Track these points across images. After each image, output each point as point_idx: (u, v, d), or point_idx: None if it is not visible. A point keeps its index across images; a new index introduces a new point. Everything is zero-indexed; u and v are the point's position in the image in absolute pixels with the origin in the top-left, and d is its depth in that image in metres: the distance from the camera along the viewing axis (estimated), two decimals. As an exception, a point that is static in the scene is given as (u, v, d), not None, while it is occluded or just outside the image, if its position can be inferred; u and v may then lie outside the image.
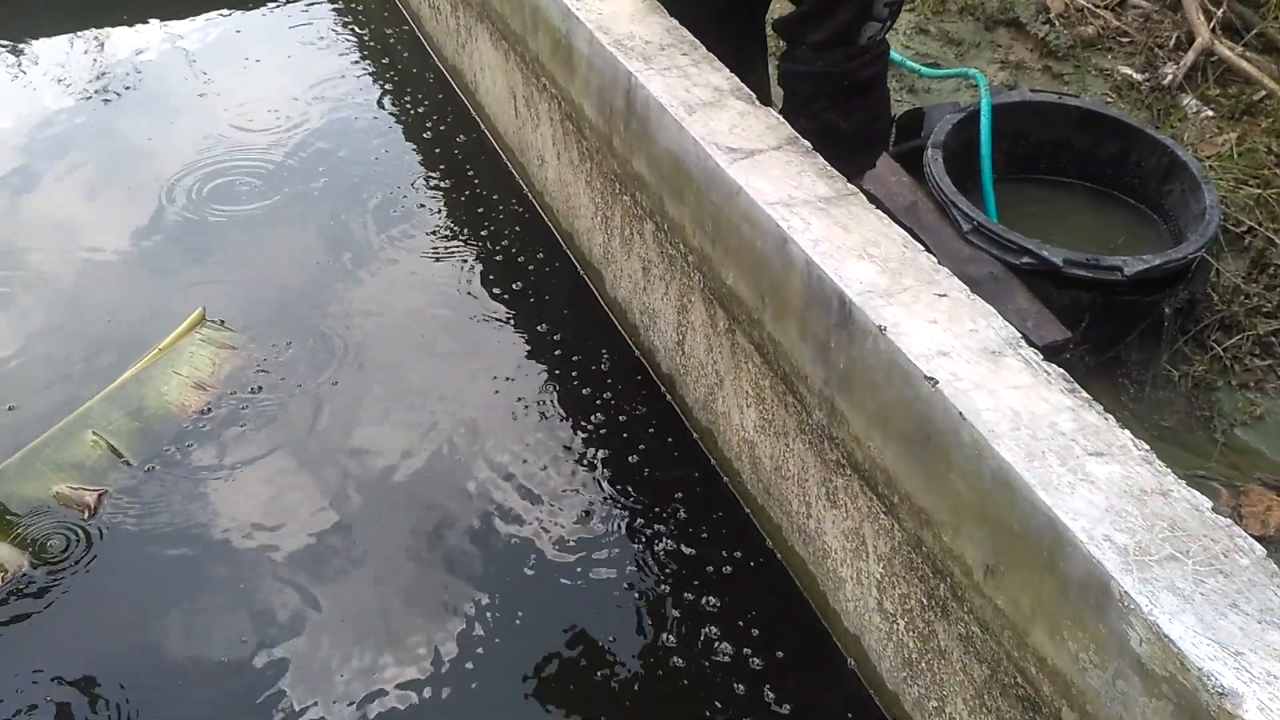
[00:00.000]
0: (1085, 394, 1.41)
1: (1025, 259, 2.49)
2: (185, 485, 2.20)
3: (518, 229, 2.96)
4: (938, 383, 1.41)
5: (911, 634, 1.63)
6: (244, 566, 2.07)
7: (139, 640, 1.96)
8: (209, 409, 2.36)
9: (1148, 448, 1.33)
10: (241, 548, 2.10)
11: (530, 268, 2.82)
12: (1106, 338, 2.55)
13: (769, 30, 2.53)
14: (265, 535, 2.12)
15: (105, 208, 3.05)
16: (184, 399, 2.37)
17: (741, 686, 1.85)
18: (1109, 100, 3.39)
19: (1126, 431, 1.35)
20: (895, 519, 1.57)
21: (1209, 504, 1.26)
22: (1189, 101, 3.34)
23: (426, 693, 1.89)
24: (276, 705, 1.86)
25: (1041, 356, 1.47)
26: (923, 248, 1.70)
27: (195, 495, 2.19)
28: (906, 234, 1.72)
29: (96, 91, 3.55)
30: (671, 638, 1.94)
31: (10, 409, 2.36)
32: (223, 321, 2.58)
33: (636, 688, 1.88)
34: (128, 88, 3.58)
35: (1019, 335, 1.50)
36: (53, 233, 2.95)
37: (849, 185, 1.82)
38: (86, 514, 2.12)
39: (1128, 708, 1.18)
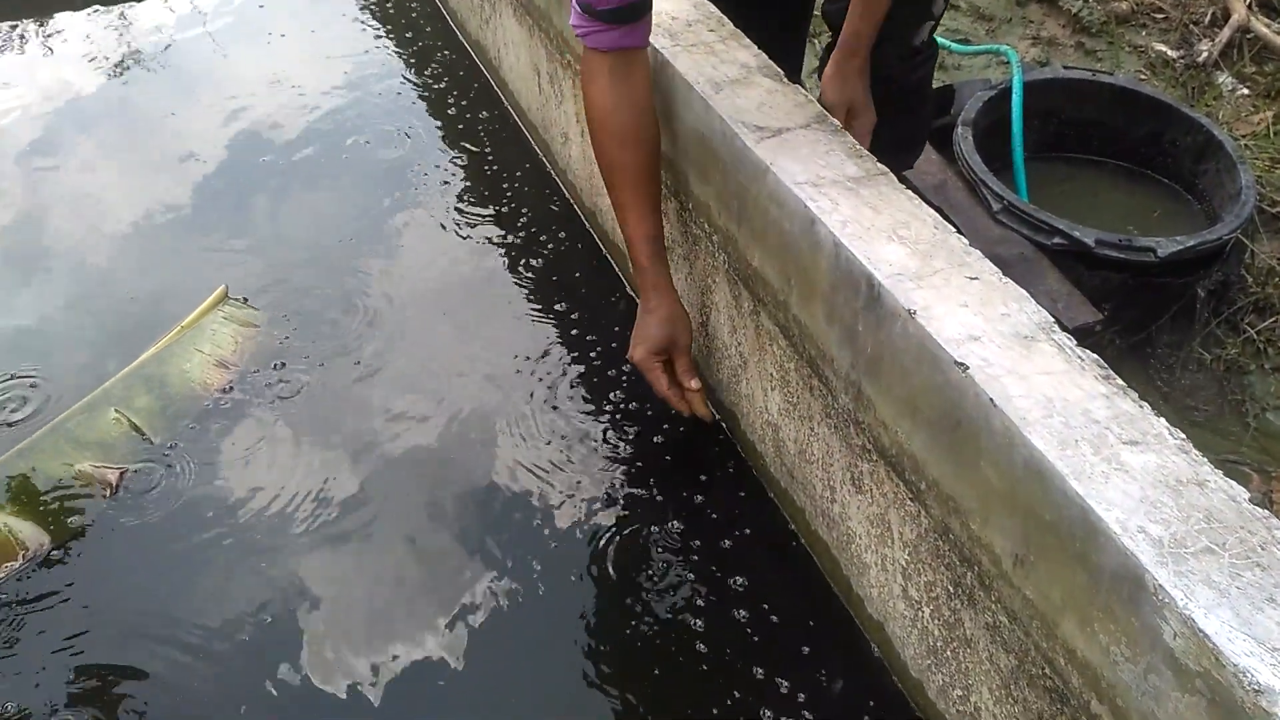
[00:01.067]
0: (1119, 381, 1.38)
1: (1056, 239, 2.45)
2: (207, 463, 2.20)
3: (541, 207, 2.93)
4: (968, 368, 1.38)
5: (937, 622, 1.60)
6: (266, 542, 2.06)
7: (160, 616, 1.96)
8: (231, 387, 2.36)
9: (1183, 436, 1.30)
10: (263, 524, 2.09)
11: (552, 246, 2.80)
12: (1138, 320, 2.52)
13: (818, 16, 2.47)
14: (288, 511, 2.12)
15: (128, 182, 3.05)
16: (206, 377, 2.36)
17: (761, 670, 1.83)
18: (1143, 78, 3.33)
19: (1162, 420, 1.32)
20: (922, 505, 1.55)
21: (1246, 495, 1.23)
22: (1224, 79, 3.28)
23: (445, 664, 1.88)
24: (300, 674, 1.86)
25: (1074, 341, 1.44)
26: (954, 229, 1.67)
27: (217, 473, 2.18)
28: (937, 215, 1.68)
29: (120, 66, 3.55)
30: (692, 619, 1.92)
31: (33, 385, 2.36)
32: (245, 299, 2.57)
33: (655, 669, 1.86)
34: (151, 62, 3.58)
35: (1051, 320, 1.47)
36: (76, 207, 2.95)
37: (878, 165, 1.79)
38: (108, 492, 2.12)
39: (1159, 702, 1.16)
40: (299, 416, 2.31)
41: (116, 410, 2.26)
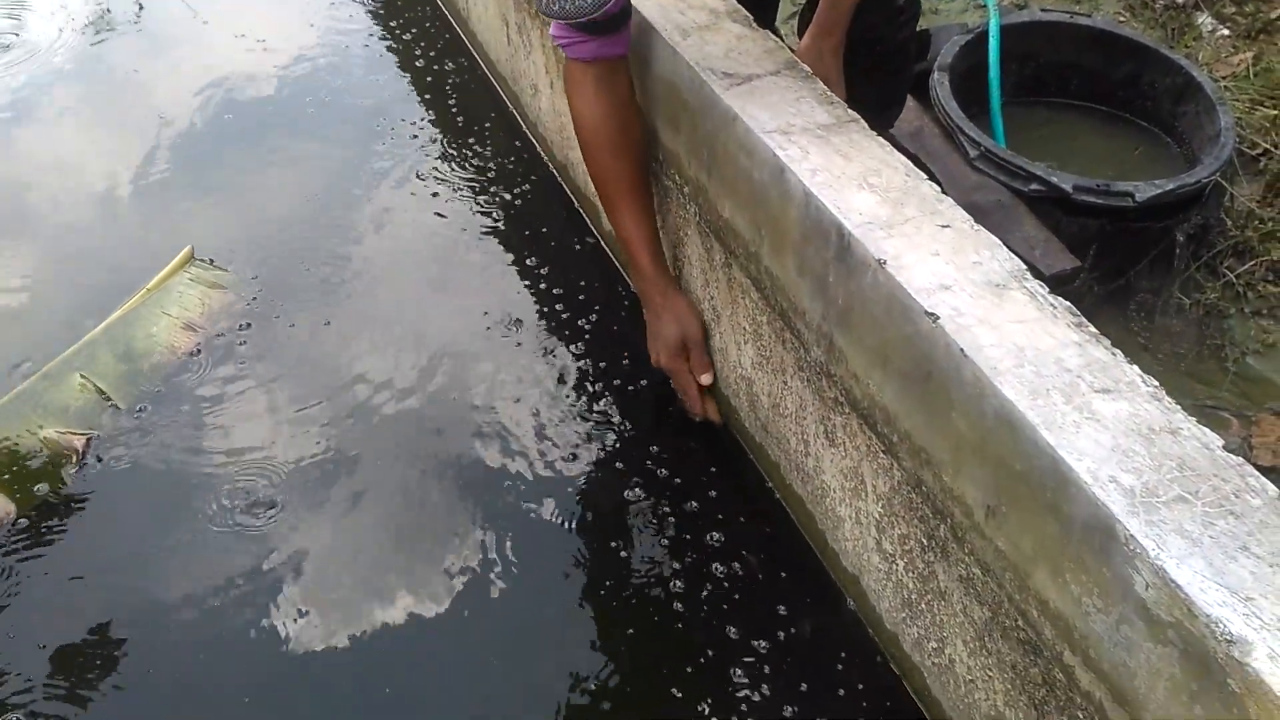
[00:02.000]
0: (1092, 328, 1.36)
1: (1033, 185, 2.41)
2: (175, 427, 2.17)
3: (511, 159, 2.89)
4: (939, 318, 1.36)
5: (911, 575, 1.59)
6: (237, 504, 2.04)
7: (132, 582, 1.94)
8: (198, 349, 2.32)
9: (1157, 384, 1.28)
10: (234, 486, 2.07)
11: (523, 198, 2.76)
12: (1116, 265, 2.49)
13: None
14: (259, 473, 2.09)
15: (98, 143, 3.01)
16: (173, 340, 2.32)
17: (736, 626, 1.82)
18: (1121, 19, 3.28)
19: (1134, 367, 1.30)
20: (894, 458, 1.53)
21: (1220, 442, 1.21)
22: (1204, 20, 3.23)
23: (418, 622, 1.87)
24: (277, 635, 1.85)
25: (1048, 289, 1.41)
26: (926, 176, 1.64)
27: (185, 436, 2.15)
28: (909, 162, 1.65)
29: (93, 26, 3.48)
30: (669, 576, 1.91)
31: (-4, 351, 2.32)
32: (212, 260, 2.52)
33: (633, 625, 1.86)
34: (125, 22, 3.50)
35: (1024, 267, 1.45)
36: (46, 168, 2.90)
37: (849, 112, 1.75)
38: (75, 459, 2.09)
39: (1131, 653, 1.14)
40: (268, 377, 2.28)
41: (82, 375, 2.23)
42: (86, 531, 2.01)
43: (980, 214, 2.40)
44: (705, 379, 2.05)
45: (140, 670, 1.81)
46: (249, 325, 2.37)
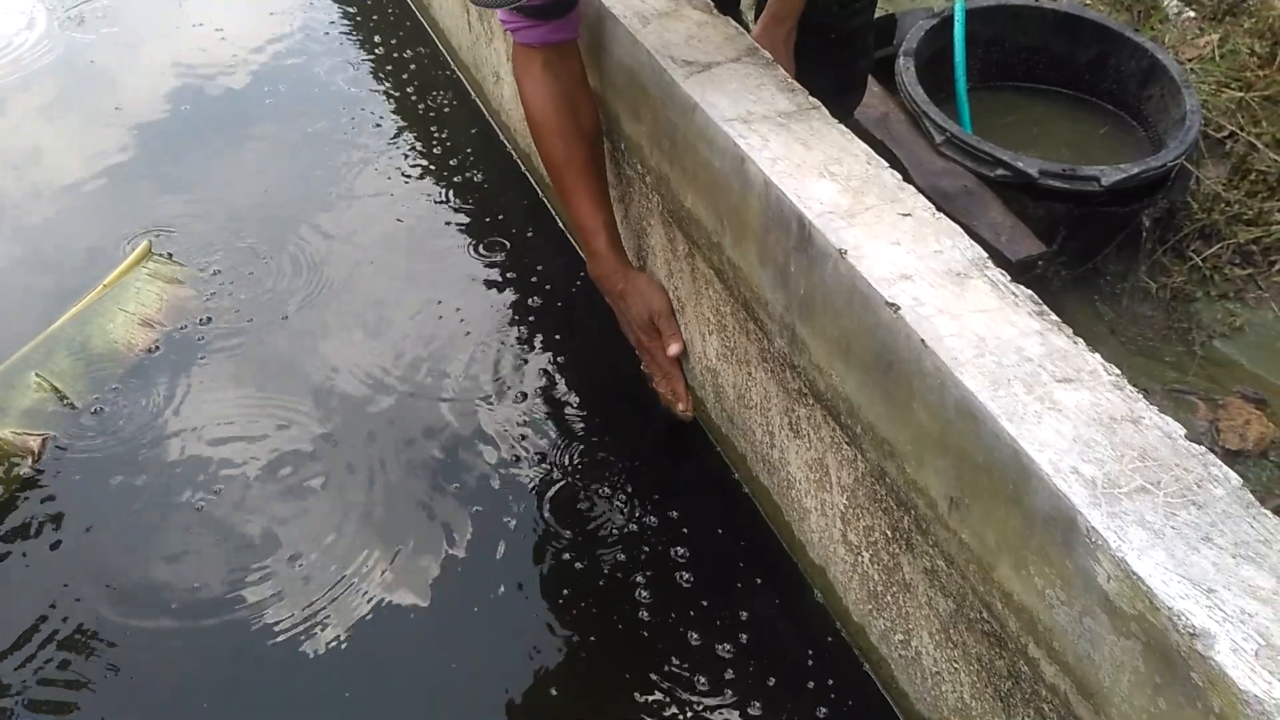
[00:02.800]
0: (1054, 316, 1.34)
1: (999, 171, 2.40)
2: (132, 426, 2.13)
3: (474, 147, 2.86)
4: (899, 309, 1.34)
5: (876, 566, 1.58)
6: (198, 500, 2.01)
7: (94, 581, 1.90)
8: (157, 347, 2.28)
9: (1119, 372, 1.27)
10: (194, 482, 2.04)
11: (487, 187, 2.73)
12: (1083, 250, 2.48)
13: None
14: (218, 469, 2.06)
15: (53, 135, 2.95)
16: (130, 337, 2.28)
17: (706, 618, 1.81)
18: (1087, 2, 3.27)
19: (1096, 355, 1.29)
20: (858, 450, 1.51)
21: (1182, 431, 1.20)
22: (1170, 2, 3.23)
23: (391, 607, 1.86)
24: (249, 624, 1.83)
25: (1009, 278, 1.40)
26: (887, 163, 1.62)
27: (143, 435, 2.12)
28: (870, 150, 1.63)
29: (62, 17, 3.40)
30: (634, 568, 1.89)
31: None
32: (170, 255, 2.48)
33: (597, 612, 1.84)
34: (92, 14, 3.43)
35: (985, 256, 1.43)
36: (9, 160, 2.85)
37: (810, 99, 1.73)
38: (31, 460, 2.05)
39: (1095, 646, 1.13)
40: (227, 374, 2.24)
41: (37, 375, 2.18)
42: (42, 533, 1.97)
43: (946, 200, 2.41)
44: (673, 349, 2.02)
45: (102, 662, 1.79)
46: (209, 320, 2.34)
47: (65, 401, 2.15)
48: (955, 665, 1.44)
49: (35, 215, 2.67)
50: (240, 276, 2.45)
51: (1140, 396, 1.25)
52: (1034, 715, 1.29)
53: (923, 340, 1.30)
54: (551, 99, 1.91)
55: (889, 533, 1.51)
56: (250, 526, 1.97)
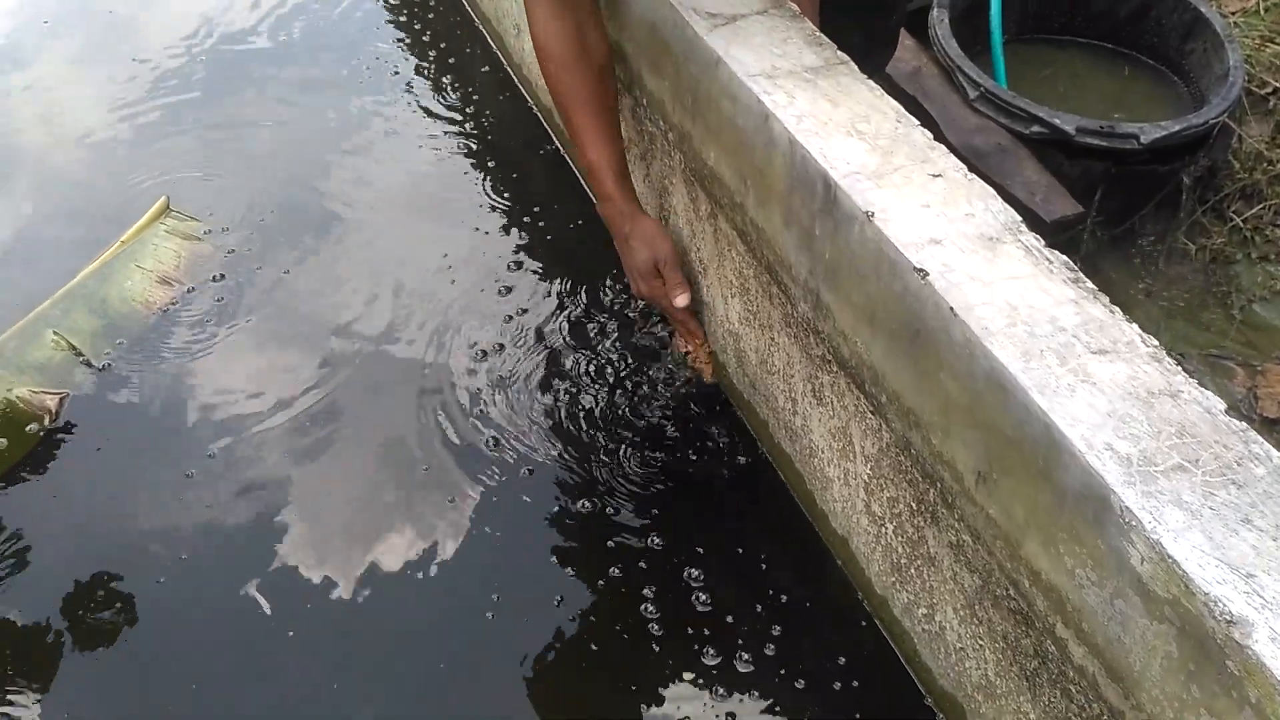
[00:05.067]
0: (1090, 284, 1.29)
1: (1035, 128, 2.33)
2: (150, 384, 2.11)
3: (496, 101, 2.81)
4: (928, 274, 1.29)
5: (900, 539, 1.54)
6: (217, 458, 2.00)
7: (110, 538, 1.90)
8: (174, 303, 2.26)
9: (1156, 343, 1.21)
10: (213, 440, 2.02)
11: (507, 141, 2.68)
12: (1120, 210, 2.41)
13: None
14: (238, 426, 2.05)
15: (68, 87, 2.93)
16: (148, 294, 2.26)
17: (726, 584, 1.78)
18: (1130, -49, 3.16)
19: (1134, 326, 1.23)
20: (883, 419, 1.46)
21: (1222, 405, 1.15)
22: (1216, -49, 3.11)
23: (402, 556, 1.86)
24: (257, 583, 1.82)
25: (1044, 242, 1.34)
26: (918, 121, 1.56)
27: (160, 394, 2.10)
28: (900, 107, 1.57)
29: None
30: (654, 531, 1.86)
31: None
32: (188, 214, 2.45)
33: (619, 580, 1.81)
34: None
35: (1019, 219, 1.37)
36: (24, 114, 2.83)
37: (839, 54, 1.66)
38: (48, 419, 2.03)
39: (1126, 629, 1.09)
40: (246, 330, 2.22)
41: (55, 333, 2.17)
42: (60, 491, 1.96)
43: (979, 158, 2.34)
44: (680, 300, 1.95)
45: (115, 624, 1.78)
46: (223, 277, 2.31)
47: (82, 359, 2.14)
48: (980, 642, 1.41)
49: (51, 168, 2.65)
50: (259, 231, 2.43)
51: (1179, 369, 1.19)
52: (1060, 696, 1.26)
53: (952, 309, 1.25)
54: (561, 34, 1.83)
55: (914, 505, 1.47)
56: (262, 484, 1.96)
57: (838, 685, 1.65)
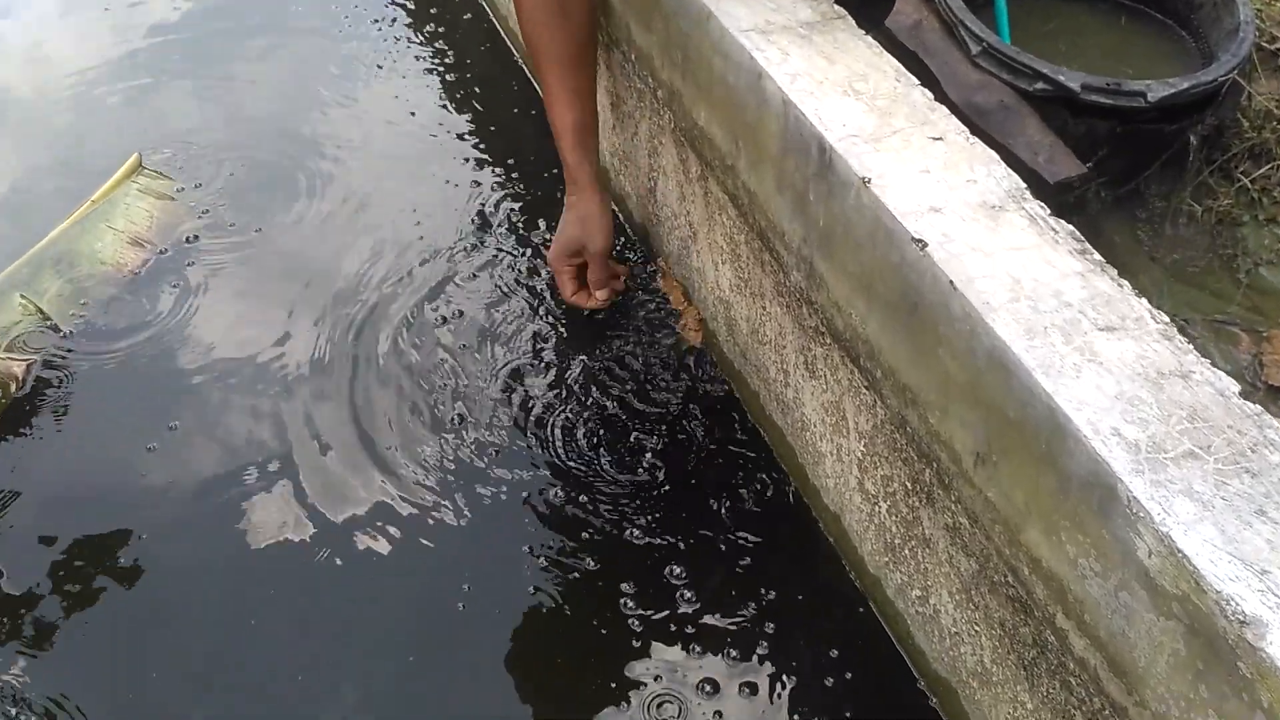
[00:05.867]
0: (1097, 255, 1.22)
1: (1039, 84, 2.24)
2: (120, 351, 2.04)
3: (478, 52, 2.73)
4: (926, 245, 1.22)
5: (894, 519, 1.48)
6: (190, 425, 1.93)
7: (80, 507, 1.84)
8: (146, 266, 2.18)
9: (1167, 320, 1.15)
10: (185, 406, 1.96)
11: (497, 99, 2.59)
12: (1125, 170, 2.33)
13: None
14: (211, 392, 1.98)
15: (35, 37, 2.83)
16: (119, 256, 2.18)
17: (715, 560, 1.72)
18: (1138, -101, 3.05)
19: (1143, 301, 1.17)
20: (878, 395, 1.40)
21: (1236, 388, 1.09)
22: (1228, -101, 3.01)
23: (393, 500, 1.82)
24: (246, 542, 1.77)
25: (1049, 211, 1.28)
26: (918, 80, 1.49)
27: (131, 361, 2.03)
28: (899, 65, 1.50)
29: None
30: (643, 501, 1.80)
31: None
32: (159, 171, 2.37)
33: (604, 546, 1.76)
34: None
35: (1023, 187, 1.31)
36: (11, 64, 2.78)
37: (836, 8, 1.59)
38: (14, 386, 1.97)
39: (1131, 623, 1.04)
40: (218, 294, 2.15)
41: (22, 296, 2.09)
42: (27, 462, 1.89)
43: (981, 116, 2.25)
44: (596, 299, 1.91)
45: (103, 586, 1.73)
46: (198, 238, 2.23)
47: (50, 325, 2.06)
48: (976, 628, 1.35)
49: (41, 116, 2.57)
50: (234, 189, 2.35)
51: (1190, 348, 1.13)
52: (1060, 688, 1.20)
53: (951, 282, 1.18)
54: None
55: (909, 485, 1.41)
56: (236, 452, 1.90)
57: (826, 664, 1.60)
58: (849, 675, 1.59)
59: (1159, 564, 0.98)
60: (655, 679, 1.59)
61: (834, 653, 1.62)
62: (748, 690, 1.58)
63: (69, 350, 2.04)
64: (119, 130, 2.52)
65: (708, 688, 1.58)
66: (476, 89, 2.63)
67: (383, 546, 1.76)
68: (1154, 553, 0.98)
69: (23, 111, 2.63)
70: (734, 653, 1.62)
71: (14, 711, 1.58)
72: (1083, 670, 1.14)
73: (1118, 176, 2.31)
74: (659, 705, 1.57)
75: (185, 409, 1.95)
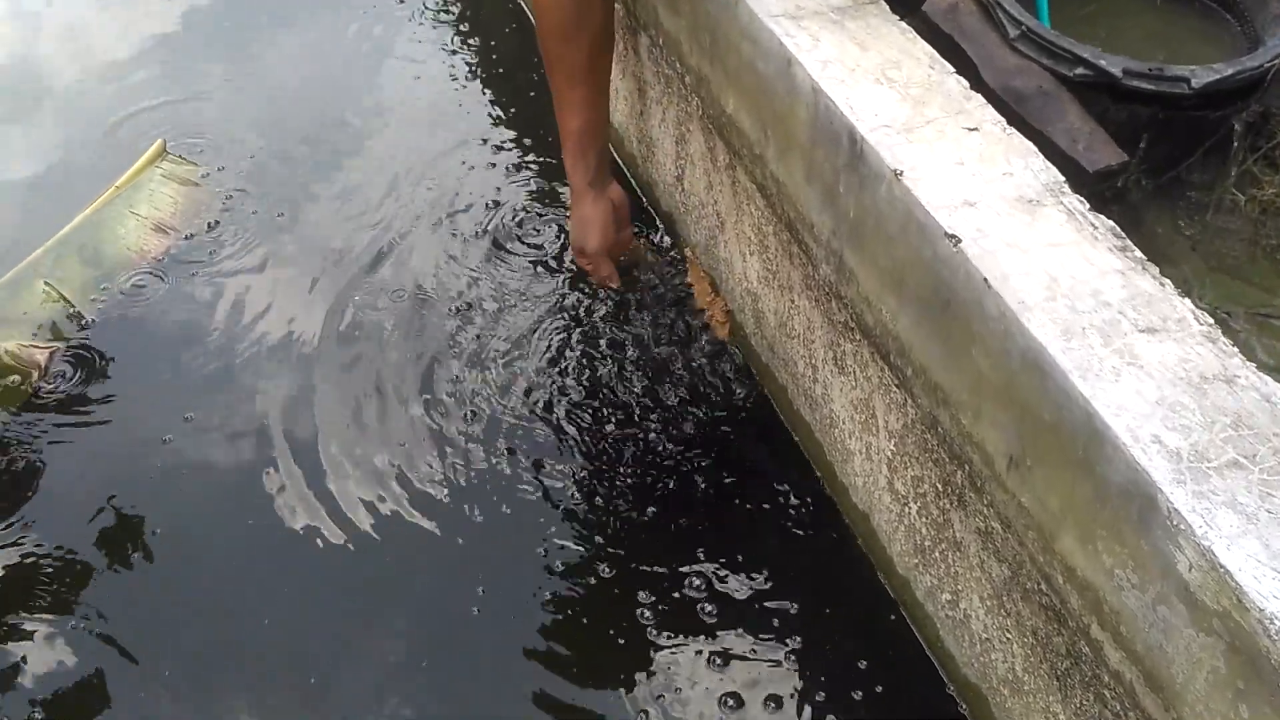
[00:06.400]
0: (1138, 252, 1.17)
1: (1079, 69, 2.18)
2: (144, 338, 2.03)
3: (507, 37, 2.68)
4: (960, 240, 1.18)
5: (925, 520, 1.44)
6: (216, 413, 1.94)
7: (102, 495, 1.83)
8: (170, 252, 2.17)
9: (1211, 321, 1.10)
10: (212, 396, 1.96)
11: (520, 79, 2.56)
12: (1167, 158, 2.27)
13: None
14: (237, 376, 1.99)
15: (49, 27, 2.82)
16: (143, 243, 2.17)
17: (741, 554, 1.69)
18: (1184, -123, 2.97)
19: (1186, 301, 1.12)
20: (908, 394, 1.36)
21: (1284, 393, 1.04)
22: (1277, -123, 2.92)
23: (412, 458, 1.83)
24: (253, 522, 1.78)
25: (1089, 206, 1.23)
26: (953, 68, 1.44)
27: (154, 348, 2.02)
28: (933, 52, 1.45)
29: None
30: (667, 490, 1.78)
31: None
32: (182, 155, 2.36)
33: (627, 530, 1.75)
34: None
35: (1061, 180, 1.26)
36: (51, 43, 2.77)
37: (869, -9, 1.54)
38: (37, 374, 1.96)
39: (1170, 638, 1.00)
40: (244, 280, 2.14)
41: (46, 283, 2.09)
42: (52, 449, 1.89)
43: (1019, 102, 2.19)
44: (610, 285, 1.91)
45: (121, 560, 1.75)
46: (217, 224, 2.22)
47: (74, 312, 2.06)
48: (1008, 635, 1.32)
49: (46, 109, 2.56)
50: (258, 173, 2.35)
51: (1235, 351, 1.09)
52: (1094, 700, 1.17)
53: (985, 279, 1.14)
54: None
55: (939, 486, 1.37)
56: (256, 437, 1.90)
57: (854, 668, 1.57)
58: (876, 679, 1.56)
59: (1200, 578, 0.94)
60: (675, 664, 1.57)
61: (860, 655, 1.58)
62: (769, 688, 1.55)
63: (91, 338, 2.02)
64: (150, 113, 2.51)
65: (729, 682, 1.55)
66: (500, 70, 2.59)
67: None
68: (1195, 567, 0.94)
69: (66, 90, 2.63)
70: (757, 649, 1.59)
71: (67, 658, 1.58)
72: (1118, 683, 1.10)
73: (1159, 164, 2.24)
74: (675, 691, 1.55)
75: (204, 395, 1.94)
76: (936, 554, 1.43)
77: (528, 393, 1.93)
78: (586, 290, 2.07)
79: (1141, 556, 1.01)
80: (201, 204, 2.25)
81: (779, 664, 1.58)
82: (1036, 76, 2.24)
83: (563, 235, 2.20)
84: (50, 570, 1.72)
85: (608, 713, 1.55)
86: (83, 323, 2.04)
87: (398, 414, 1.90)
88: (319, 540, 1.74)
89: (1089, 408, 1.03)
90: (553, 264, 2.14)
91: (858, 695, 1.54)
